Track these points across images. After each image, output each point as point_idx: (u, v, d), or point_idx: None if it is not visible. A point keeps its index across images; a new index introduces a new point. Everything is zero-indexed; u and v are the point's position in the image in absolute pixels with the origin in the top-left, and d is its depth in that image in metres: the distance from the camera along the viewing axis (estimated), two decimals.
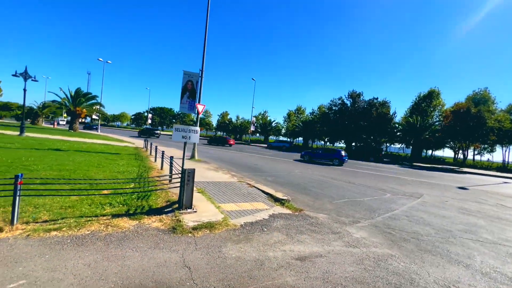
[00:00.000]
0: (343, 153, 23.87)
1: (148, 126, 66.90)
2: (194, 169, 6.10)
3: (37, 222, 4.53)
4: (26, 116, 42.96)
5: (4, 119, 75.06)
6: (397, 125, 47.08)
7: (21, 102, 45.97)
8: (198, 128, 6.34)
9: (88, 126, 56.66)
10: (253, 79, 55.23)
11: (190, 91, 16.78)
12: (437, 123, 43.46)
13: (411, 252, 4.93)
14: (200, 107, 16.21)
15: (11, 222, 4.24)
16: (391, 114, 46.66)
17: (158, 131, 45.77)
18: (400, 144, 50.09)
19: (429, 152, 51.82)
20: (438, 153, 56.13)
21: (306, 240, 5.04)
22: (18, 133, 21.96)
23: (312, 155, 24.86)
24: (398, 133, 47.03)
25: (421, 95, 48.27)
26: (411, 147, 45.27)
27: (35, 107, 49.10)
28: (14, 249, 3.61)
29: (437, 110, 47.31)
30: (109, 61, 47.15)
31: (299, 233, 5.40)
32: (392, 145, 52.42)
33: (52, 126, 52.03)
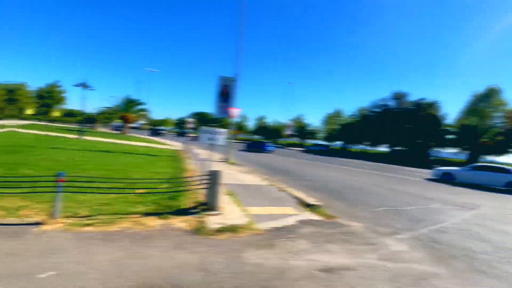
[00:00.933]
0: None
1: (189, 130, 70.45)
2: (220, 171, 6.07)
3: (76, 217, 4.88)
4: (86, 121, 48.49)
5: (68, 124, 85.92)
6: (449, 128, 42.26)
7: (79, 109, 52.03)
8: (224, 130, 6.38)
9: (156, 132, 56.77)
10: (289, 82, 54.75)
11: (225, 96, 17.10)
12: (498, 125, 37.91)
13: (460, 272, 4.18)
14: (234, 111, 16.43)
15: (53, 216, 4.62)
16: (441, 115, 42.09)
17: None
18: (453, 149, 44.81)
19: (489, 158, 45.41)
20: (502, 159, 48.91)
21: (335, 250, 4.61)
22: (77, 136, 24.80)
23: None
24: (450, 137, 42.16)
25: (478, 94, 42.66)
26: (467, 152, 40.16)
27: (93, 114, 55.30)
28: (51, 241, 3.91)
29: (498, 111, 41.32)
30: (156, 70, 51.14)
31: (328, 242, 4.98)
32: (444, 150, 47.16)
33: (108, 130, 57.92)
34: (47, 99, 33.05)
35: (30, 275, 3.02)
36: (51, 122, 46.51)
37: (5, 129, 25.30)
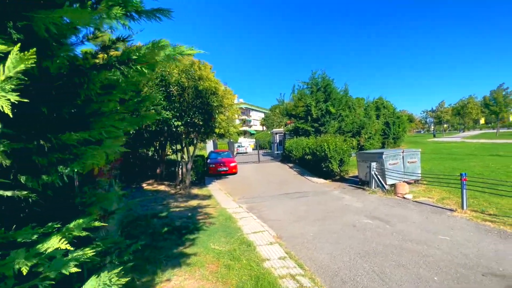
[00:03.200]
0: None
1: None
2: None
3: (482, 213, 5.45)
4: None
5: None
6: None
7: None
8: None
9: None
10: None
11: None
12: None
13: None
14: None
15: (462, 207, 5.69)
16: None
17: None
18: None
19: None
20: None
21: None
22: None
23: None
24: None
25: None
26: None
27: None
28: (453, 222, 5.09)
29: None
30: None
31: None
32: None
33: None
34: (492, 106, 31.35)
35: (430, 234, 4.61)
36: (505, 129, 42.38)
37: (456, 139, 28.70)
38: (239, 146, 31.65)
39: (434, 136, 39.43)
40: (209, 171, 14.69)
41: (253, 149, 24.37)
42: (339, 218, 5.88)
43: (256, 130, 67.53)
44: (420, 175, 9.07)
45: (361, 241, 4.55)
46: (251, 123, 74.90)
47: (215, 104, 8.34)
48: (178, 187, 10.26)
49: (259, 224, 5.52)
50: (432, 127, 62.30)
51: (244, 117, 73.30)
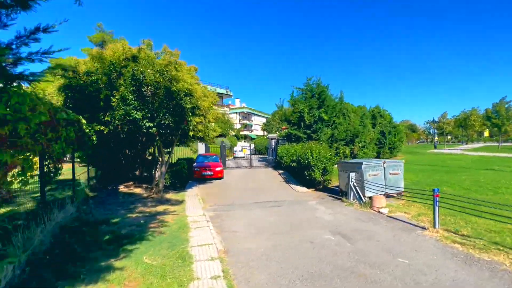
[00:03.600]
0: None
1: None
2: None
3: (454, 233, 4.95)
4: None
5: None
6: None
7: None
8: None
9: None
10: None
11: None
12: None
13: None
14: None
15: (433, 225, 5.19)
16: None
17: None
18: None
19: None
20: None
21: None
22: None
23: None
24: None
25: None
26: None
27: None
28: (422, 244, 4.60)
29: None
30: None
31: None
32: None
33: None
34: (494, 119, 30.42)
35: (389, 256, 4.13)
36: (508, 142, 41.24)
37: (456, 151, 27.88)
38: (236, 151, 31.38)
39: (435, 147, 38.52)
40: (193, 174, 14.34)
41: (246, 154, 23.99)
42: (302, 232, 5.42)
43: (257, 135, 67.28)
44: (402, 188, 8.55)
45: (312, 260, 4.09)
46: (253, 128, 74.74)
47: (188, 106, 8.01)
48: (152, 190, 9.89)
49: (211, 236, 5.10)
50: (436, 137, 61.22)
51: (245, 121, 73.41)
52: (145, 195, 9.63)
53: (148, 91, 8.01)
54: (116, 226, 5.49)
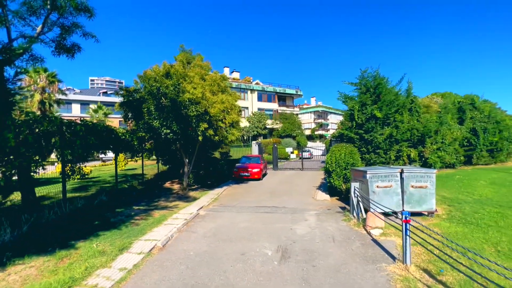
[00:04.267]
0: None
1: None
2: None
3: (431, 276, 3.53)
4: None
5: None
6: None
7: None
8: None
9: None
10: None
11: None
12: None
13: None
14: None
15: (403, 260, 3.85)
16: None
17: None
18: None
19: None
20: None
21: None
22: None
23: None
24: None
25: None
26: None
27: None
28: (366, 280, 3.55)
29: None
30: None
31: None
32: None
33: None
34: None
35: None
36: None
37: None
38: (303, 151, 30.81)
39: None
40: (232, 174, 15.31)
41: (306, 155, 23.04)
42: (251, 243, 5.13)
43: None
44: (433, 206, 6.46)
45: (217, 272, 3.94)
46: (329, 127, 70.73)
47: (192, 114, 8.83)
48: (180, 187, 11.35)
49: (167, 234, 5.59)
50: None
51: (320, 120, 70.51)
52: (175, 191, 11.19)
53: (166, 102, 9.34)
54: (113, 214, 6.86)
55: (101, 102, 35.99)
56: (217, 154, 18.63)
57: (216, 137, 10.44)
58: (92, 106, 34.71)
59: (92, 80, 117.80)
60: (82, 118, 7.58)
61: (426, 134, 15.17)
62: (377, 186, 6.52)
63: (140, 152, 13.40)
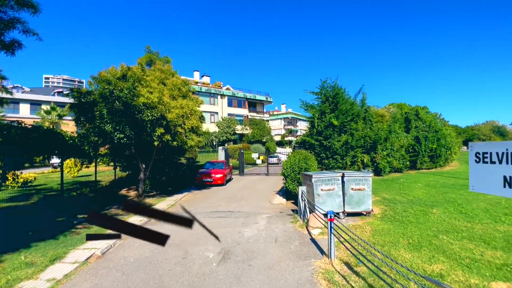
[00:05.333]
0: None
1: None
2: None
3: (349, 267, 3.98)
4: None
5: None
6: None
7: None
8: None
9: None
10: None
11: None
12: None
13: None
14: None
15: (328, 255, 4.28)
16: None
17: None
18: None
19: None
20: None
21: None
22: None
23: None
24: None
25: None
26: None
27: None
28: (295, 274, 3.89)
29: None
30: None
31: None
32: None
33: None
34: None
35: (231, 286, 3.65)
36: None
37: None
38: (271, 157, 31.58)
39: None
40: (195, 180, 15.15)
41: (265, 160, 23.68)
42: (195, 247, 5.23)
43: None
44: (370, 205, 7.19)
45: (154, 275, 3.98)
46: (298, 133, 73.19)
47: (147, 119, 8.71)
48: (136, 194, 10.96)
49: (107, 243, 5.43)
50: None
51: (290, 127, 72.67)
52: (130, 198, 10.76)
53: (120, 106, 9.06)
54: (53, 224, 6.44)
55: (55, 102, 33.10)
56: (183, 160, 18.30)
57: (175, 142, 10.35)
58: (44, 107, 31.79)
59: (46, 78, 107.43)
60: (34, 121, 7.04)
61: (377, 141, 16.63)
62: (321, 189, 7.07)
63: (94, 158, 12.69)
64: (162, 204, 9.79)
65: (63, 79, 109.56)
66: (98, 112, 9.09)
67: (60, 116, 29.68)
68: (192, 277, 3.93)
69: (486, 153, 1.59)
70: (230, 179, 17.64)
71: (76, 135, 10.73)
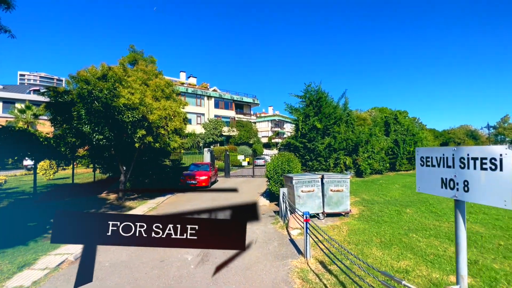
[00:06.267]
0: None
1: None
2: None
3: (324, 266, 4.14)
4: None
5: None
6: None
7: None
8: None
9: None
10: None
11: None
12: None
13: None
14: None
15: (304, 255, 4.43)
16: None
17: None
18: None
19: None
20: None
21: None
22: None
23: None
24: None
25: None
26: None
27: None
28: (269, 274, 3.99)
29: None
30: None
31: None
32: None
33: None
34: None
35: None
36: None
37: None
38: (258, 159, 31.75)
39: None
40: (179, 182, 14.97)
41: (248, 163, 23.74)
42: (174, 250, 5.22)
43: None
44: (348, 206, 7.46)
45: (129, 279, 3.94)
46: (285, 136, 74.05)
47: (128, 120, 8.55)
48: (118, 197, 10.69)
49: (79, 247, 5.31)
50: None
51: (277, 129, 73.38)
52: (110, 201, 10.47)
53: (100, 107, 8.83)
54: (24, 229, 6.18)
55: (30, 101, 31.49)
56: (168, 162, 18.03)
57: (157, 144, 10.21)
58: (19, 106, 30.20)
59: (22, 76, 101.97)
60: (7, 121, 6.69)
61: (359, 144, 17.19)
62: (302, 191, 7.25)
63: (71, 160, 12.23)
64: (143, 207, 9.61)
65: (41, 77, 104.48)
66: (75, 113, 8.81)
67: (36, 116, 28.31)
68: (168, 280, 3.93)
69: (429, 157, 1.77)
70: (215, 181, 17.56)
71: (52, 136, 10.34)
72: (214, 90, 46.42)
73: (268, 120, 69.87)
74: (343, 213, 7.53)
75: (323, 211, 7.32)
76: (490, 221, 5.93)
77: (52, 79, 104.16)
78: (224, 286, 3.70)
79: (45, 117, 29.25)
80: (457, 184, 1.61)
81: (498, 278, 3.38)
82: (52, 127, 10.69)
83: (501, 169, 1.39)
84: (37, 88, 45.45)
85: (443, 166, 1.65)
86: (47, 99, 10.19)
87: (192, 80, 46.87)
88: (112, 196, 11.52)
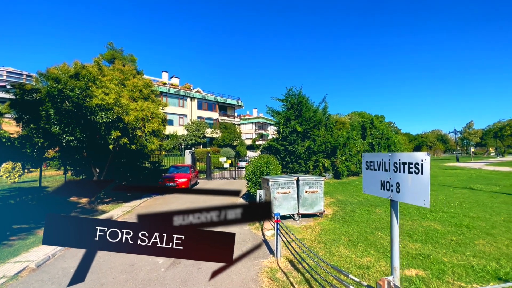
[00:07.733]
0: None
1: None
2: None
3: (293, 265, 4.30)
4: None
5: None
6: None
7: None
8: None
9: None
10: None
11: None
12: None
13: None
14: None
15: (275, 254, 4.57)
16: None
17: None
18: None
19: None
20: None
21: None
22: None
23: None
24: None
25: None
26: None
27: None
28: (237, 275, 4.08)
29: None
30: None
31: None
32: None
33: None
34: None
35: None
36: None
37: (476, 165, 24.68)
38: (241, 161, 31.78)
39: (458, 160, 34.35)
40: (158, 185, 14.65)
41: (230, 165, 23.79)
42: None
43: None
44: (322, 207, 7.74)
45: (83, 287, 3.85)
46: (269, 138, 74.72)
47: (101, 121, 8.29)
48: (90, 201, 10.28)
49: (46, 254, 5.09)
50: (473, 149, 54.56)
51: (261, 131, 73.78)
52: (81, 205, 10.04)
53: (71, 106, 8.48)
54: None
55: None
56: (147, 164, 17.57)
57: (133, 146, 9.97)
58: None
59: None
60: None
61: (337, 147, 17.81)
62: (278, 193, 7.43)
63: (39, 162, 11.57)
64: (117, 210, 9.31)
65: (8, 72, 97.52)
66: (44, 112, 8.41)
67: (0, 114, 26.39)
68: (136, 284, 3.89)
69: (372, 161, 1.97)
70: (195, 184, 17.39)
71: (16, 136, 9.76)
72: (198, 91, 45.92)
73: (252, 122, 70.15)
74: (318, 214, 7.79)
75: (298, 212, 7.54)
76: (447, 219, 6.45)
77: (22, 74, 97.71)
78: None
79: (10, 116, 27.40)
80: (392, 186, 1.80)
81: (445, 270, 3.71)
82: (18, 127, 10.10)
83: (422, 173, 1.59)
84: (3, 84, 42.37)
85: (382, 170, 1.84)
86: (13, 97, 9.63)
87: (175, 81, 46.08)
88: (84, 200, 11.04)
